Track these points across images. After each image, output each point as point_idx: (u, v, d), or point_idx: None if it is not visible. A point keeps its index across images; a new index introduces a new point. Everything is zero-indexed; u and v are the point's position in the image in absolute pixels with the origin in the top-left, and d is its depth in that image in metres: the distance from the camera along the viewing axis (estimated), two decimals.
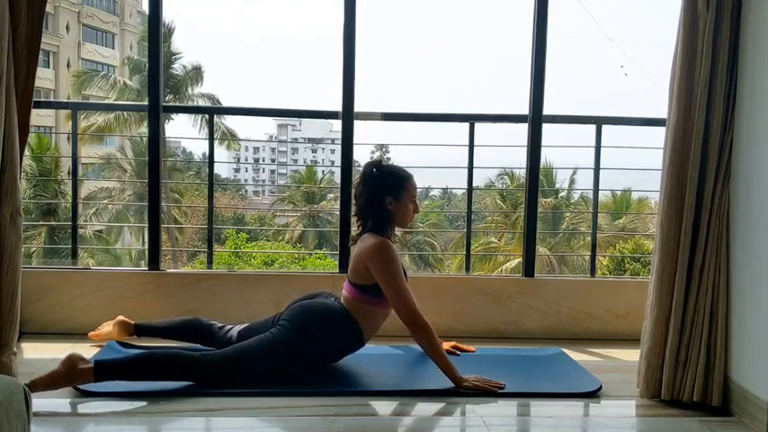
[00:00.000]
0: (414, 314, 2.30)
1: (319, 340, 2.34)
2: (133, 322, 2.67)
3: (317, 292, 2.53)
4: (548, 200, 16.79)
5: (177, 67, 21.00)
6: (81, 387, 2.17)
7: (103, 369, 2.15)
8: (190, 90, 21.02)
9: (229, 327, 2.55)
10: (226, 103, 21.75)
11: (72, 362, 2.13)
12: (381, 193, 2.42)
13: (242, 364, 2.26)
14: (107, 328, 2.69)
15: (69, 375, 2.12)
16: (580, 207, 17.75)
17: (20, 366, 2.28)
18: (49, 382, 2.09)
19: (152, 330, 2.64)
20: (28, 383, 2.06)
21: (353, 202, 2.50)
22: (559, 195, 18.21)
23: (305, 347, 2.32)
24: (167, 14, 21.57)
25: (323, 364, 2.41)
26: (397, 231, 2.54)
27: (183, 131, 23.83)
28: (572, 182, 17.74)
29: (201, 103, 21.29)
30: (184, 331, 2.60)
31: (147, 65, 3.06)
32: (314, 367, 2.37)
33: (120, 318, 2.69)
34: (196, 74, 21.12)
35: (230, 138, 20.98)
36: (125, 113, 19.39)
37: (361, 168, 2.54)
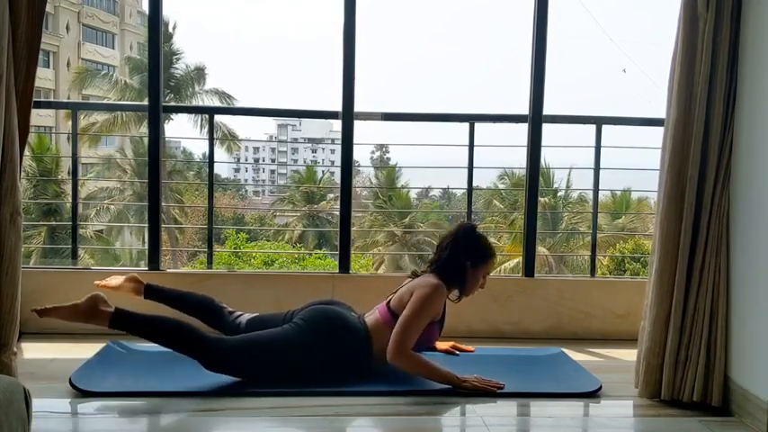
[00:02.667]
0: (403, 349, 2.29)
1: (329, 346, 2.33)
2: (145, 282, 2.62)
3: (337, 300, 2.51)
4: (544, 199, 16.78)
5: (179, 67, 21.02)
6: (81, 387, 2.18)
7: (122, 317, 2.22)
8: (195, 88, 21.02)
9: (239, 313, 2.55)
10: (228, 101, 21.74)
11: (95, 301, 2.23)
12: (465, 255, 2.44)
13: (250, 353, 2.27)
14: (116, 280, 2.63)
15: (89, 312, 2.21)
16: (579, 207, 17.75)
17: (20, 366, 2.28)
18: (68, 312, 2.21)
19: (162, 295, 2.60)
20: (45, 308, 2.21)
21: (436, 249, 2.50)
22: (558, 195, 18.22)
23: (314, 350, 2.31)
24: (168, 14, 21.60)
25: (328, 370, 2.36)
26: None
27: (183, 131, 23.89)
28: (569, 181, 17.78)
29: (208, 99, 21.27)
30: (194, 306, 2.58)
31: (147, 65, 3.06)
32: (318, 371, 2.34)
33: (134, 274, 2.65)
34: (199, 74, 21.14)
35: (230, 138, 20.97)
36: (124, 114, 19.40)
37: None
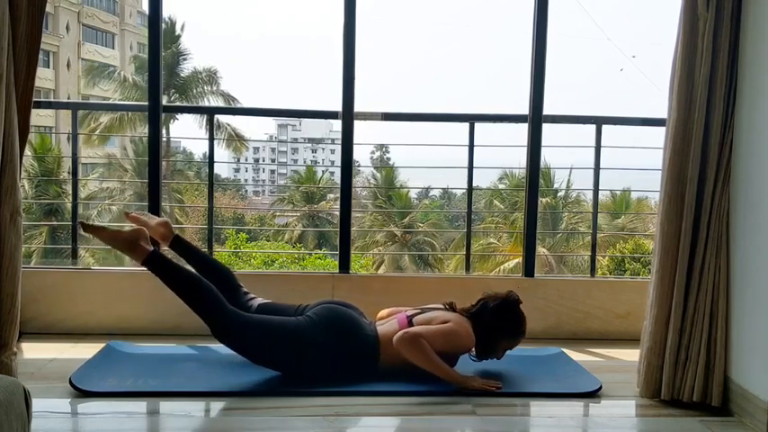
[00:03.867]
0: (413, 339, 2.30)
1: (337, 346, 2.33)
2: (175, 233, 2.60)
3: (350, 303, 2.50)
4: (545, 199, 16.78)
5: (185, 67, 21.11)
6: (81, 387, 2.18)
7: (157, 259, 2.30)
8: (201, 89, 21.06)
9: (253, 296, 2.56)
10: (232, 102, 21.78)
11: (138, 235, 2.31)
12: (503, 324, 2.45)
13: (261, 333, 2.30)
14: (148, 219, 2.58)
15: (129, 243, 2.29)
16: (577, 207, 17.75)
17: (20, 366, 2.28)
18: (110, 236, 2.32)
19: (187, 250, 2.60)
20: (92, 224, 2.34)
21: (481, 300, 2.50)
22: (558, 195, 18.22)
23: (322, 346, 2.32)
24: (176, 15, 21.67)
25: (330, 370, 2.36)
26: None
27: (189, 132, 23.91)
28: (569, 181, 17.79)
29: (214, 100, 21.28)
30: (213, 271, 2.54)
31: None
32: (322, 368, 2.35)
33: (167, 220, 2.63)
34: (210, 77, 21.21)
35: (237, 139, 20.98)
36: (130, 113, 19.42)
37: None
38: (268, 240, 21.22)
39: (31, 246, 14.62)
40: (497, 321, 2.44)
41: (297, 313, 2.42)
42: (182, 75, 21.02)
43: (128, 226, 2.47)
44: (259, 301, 2.53)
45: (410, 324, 2.41)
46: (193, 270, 2.48)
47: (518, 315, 2.48)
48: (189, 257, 2.59)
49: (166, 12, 22.04)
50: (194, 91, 20.97)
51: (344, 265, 3.10)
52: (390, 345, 2.34)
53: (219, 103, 21.46)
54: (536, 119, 3.05)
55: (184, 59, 21.18)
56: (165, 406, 2.14)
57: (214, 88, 21.34)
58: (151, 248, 2.32)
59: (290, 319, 2.36)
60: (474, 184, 3.31)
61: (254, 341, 2.31)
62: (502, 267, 15.05)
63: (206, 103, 21.06)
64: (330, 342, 2.32)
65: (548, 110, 3.07)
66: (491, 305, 2.47)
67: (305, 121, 43.07)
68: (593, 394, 2.34)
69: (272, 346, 2.31)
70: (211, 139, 3.40)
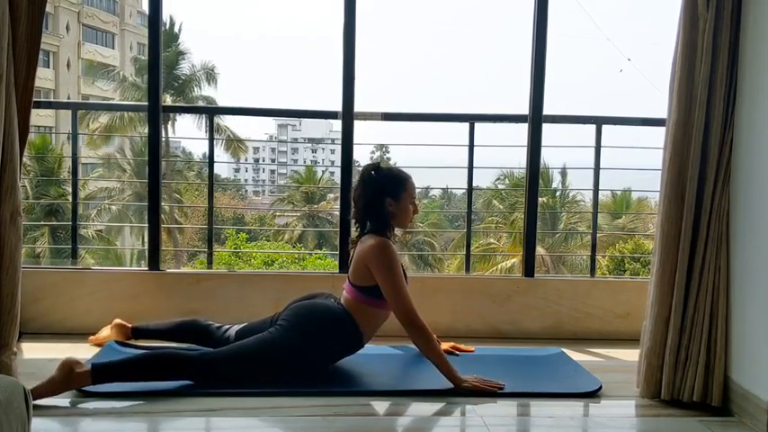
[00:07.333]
0: (411, 315, 2.31)
1: (318, 340, 2.35)
2: (130, 325, 2.66)
3: (316, 292, 2.53)
4: (543, 199, 16.78)
5: (184, 67, 21.08)
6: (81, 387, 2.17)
7: (101, 371, 2.15)
8: (199, 91, 21.08)
9: (227, 326, 2.55)
10: (225, 103, 21.79)
11: (68, 367, 2.11)
12: (381, 195, 2.42)
13: (239, 362, 2.27)
14: (106, 332, 2.70)
15: (67, 380, 2.10)
16: (575, 207, 17.74)
17: (20, 366, 2.28)
18: (49, 389, 2.08)
19: (149, 333, 2.64)
20: (32, 390, 2.05)
21: (352, 205, 2.50)
22: (557, 195, 18.22)
23: (303, 347, 2.32)
24: (174, 15, 21.66)
25: (321, 364, 2.40)
26: (397, 231, 2.54)
27: (189, 132, 23.88)
28: (565, 180, 17.78)
29: (202, 104, 21.31)
30: (182, 332, 2.60)
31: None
32: (312, 367, 2.37)
33: (117, 321, 2.69)
34: (208, 76, 21.20)
35: (237, 140, 20.99)
36: (132, 113, 19.42)
37: (360, 168, 2.55)
38: (268, 240, 21.22)
39: (36, 247, 14.63)
40: (376, 201, 2.41)
41: (272, 324, 2.41)
42: (181, 75, 21.01)
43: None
44: (235, 328, 2.53)
45: (351, 284, 2.42)
46: (140, 352, 2.42)
47: (383, 176, 2.43)
48: (154, 336, 2.62)
49: (166, 11, 22.04)
50: (193, 94, 20.96)
51: (344, 264, 3.10)
52: (356, 310, 2.38)
53: (205, 102, 21.48)
54: (536, 119, 3.05)
55: (183, 59, 21.19)
56: (165, 406, 2.13)
57: (214, 87, 21.35)
58: (88, 366, 2.14)
59: (263, 335, 2.33)
60: (474, 184, 3.31)
61: (235, 373, 2.26)
62: (500, 267, 15.06)
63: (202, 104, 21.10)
64: (308, 339, 2.33)
65: (548, 110, 3.07)
66: (357, 198, 2.44)
67: (305, 121, 43.06)
68: (593, 394, 2.33)
69: (255, 369, 2.28)
70: (211, 139, 3.40)
